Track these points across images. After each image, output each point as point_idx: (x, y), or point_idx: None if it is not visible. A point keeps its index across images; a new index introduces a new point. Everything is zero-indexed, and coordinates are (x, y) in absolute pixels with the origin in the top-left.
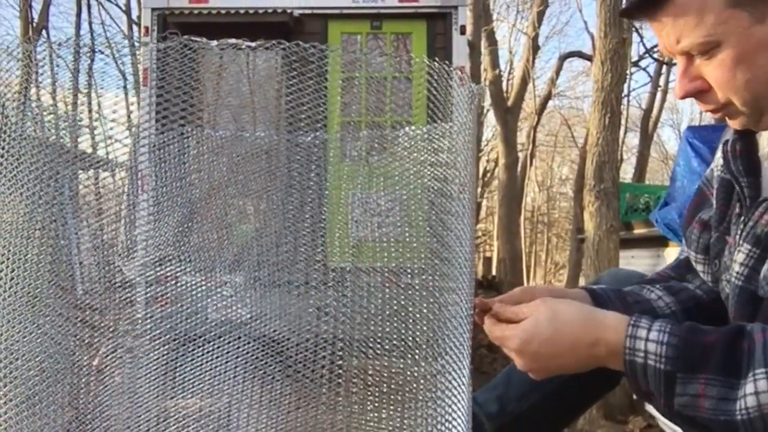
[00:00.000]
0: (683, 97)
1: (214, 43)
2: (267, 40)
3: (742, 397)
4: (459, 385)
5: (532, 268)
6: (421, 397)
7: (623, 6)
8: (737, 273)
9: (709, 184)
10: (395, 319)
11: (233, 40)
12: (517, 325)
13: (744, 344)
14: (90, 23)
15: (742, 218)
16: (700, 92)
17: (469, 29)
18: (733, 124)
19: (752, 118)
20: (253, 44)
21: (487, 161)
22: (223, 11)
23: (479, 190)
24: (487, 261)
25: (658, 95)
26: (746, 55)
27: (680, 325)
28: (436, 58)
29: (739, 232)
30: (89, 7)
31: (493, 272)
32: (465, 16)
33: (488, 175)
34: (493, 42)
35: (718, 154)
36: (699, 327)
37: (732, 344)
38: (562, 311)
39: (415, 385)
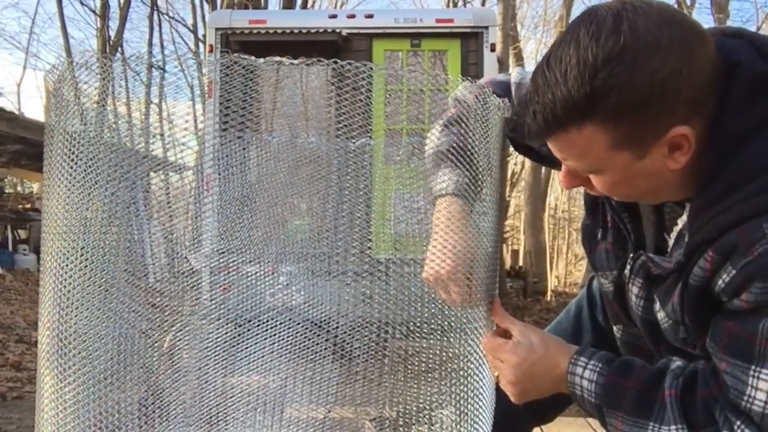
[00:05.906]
0: (569, 188)
1: (261, 60)
2: (318, 57)
3: None
4: (484, 363)
5: (555, 259)
6: (453, 374)
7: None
8: (635, 304)
9: None
10: (432, 305)
11: (278, 58)
12: (514, 344)
13: (658, 393)
14: (161, 41)
15: (631, 255)
16: (585, 185)
17: (498, 47)
18: None
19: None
20: (296, 61)
21: (515, 164)
22: (279, 30)
23: (508, 190)
24: (515, 253)
25: None
26: (625, 180)
27: (612, 364)
28: (469, 75)
29: (629, 266)
30: (160, 26)
31: (520, 263)
32: (495, 35)
33: (516, 176)
34: (520, 58)
35: None
36: (628, 367)
37: (646, 391)
38: (546, 335)
39: (448, 364)
